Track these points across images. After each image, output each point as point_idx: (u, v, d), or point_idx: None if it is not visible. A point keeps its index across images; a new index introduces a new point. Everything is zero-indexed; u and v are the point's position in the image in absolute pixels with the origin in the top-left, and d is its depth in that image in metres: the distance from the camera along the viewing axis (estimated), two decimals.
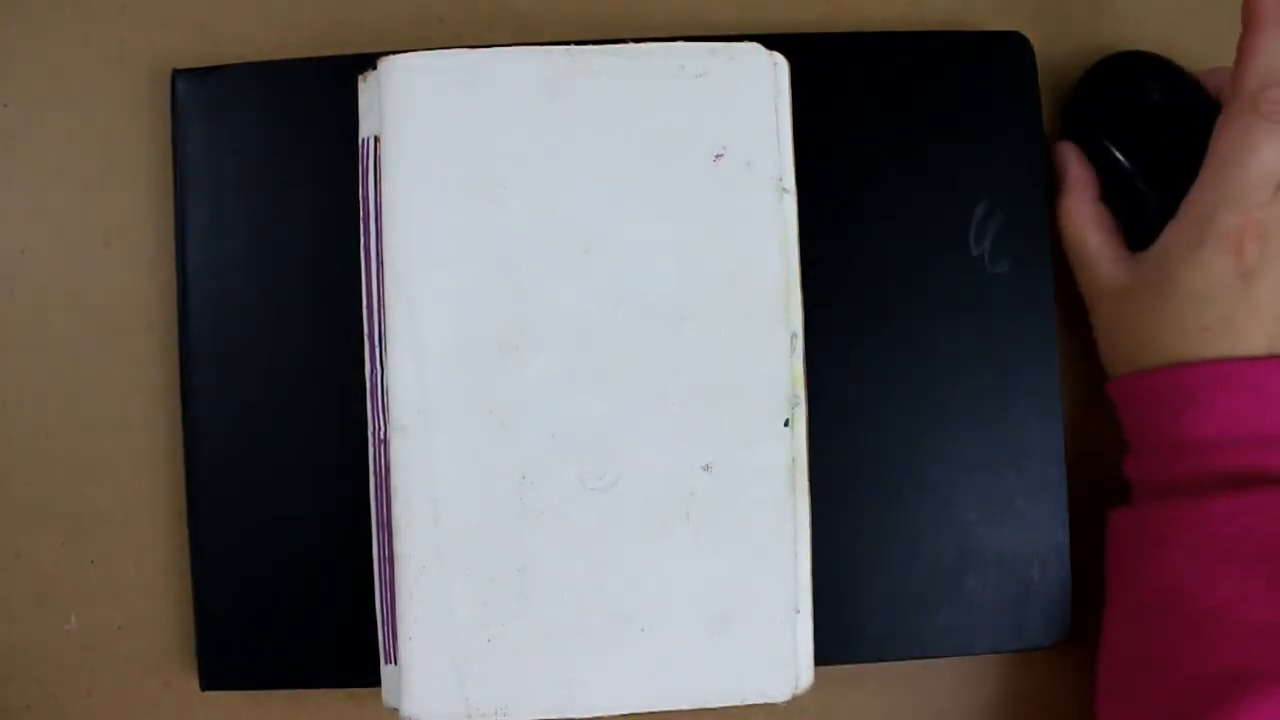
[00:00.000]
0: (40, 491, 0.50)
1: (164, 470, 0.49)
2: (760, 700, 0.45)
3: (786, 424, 0.44)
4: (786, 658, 0.44)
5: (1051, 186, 0.50)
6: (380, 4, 0.52)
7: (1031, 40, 0.50)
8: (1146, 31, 0.53)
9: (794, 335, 0.44)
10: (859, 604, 0.48)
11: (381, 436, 0.44)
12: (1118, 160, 0.49)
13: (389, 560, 0.44)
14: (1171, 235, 0.45)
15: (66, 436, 0.50)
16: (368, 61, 0.45)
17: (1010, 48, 0.50)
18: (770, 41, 0.45)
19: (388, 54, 0.44)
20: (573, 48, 0.44)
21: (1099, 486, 0.50)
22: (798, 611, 0.44)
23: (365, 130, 0.46)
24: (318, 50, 0.50)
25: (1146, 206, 0.48)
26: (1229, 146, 0.44)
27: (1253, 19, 0.44)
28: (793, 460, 0.44)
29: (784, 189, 0.44)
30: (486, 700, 0.43)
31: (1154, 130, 0.49)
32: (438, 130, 0.44)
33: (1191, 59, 0.53)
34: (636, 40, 0.45)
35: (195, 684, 0.48)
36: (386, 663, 0.45)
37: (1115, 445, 0.50)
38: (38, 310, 0.50)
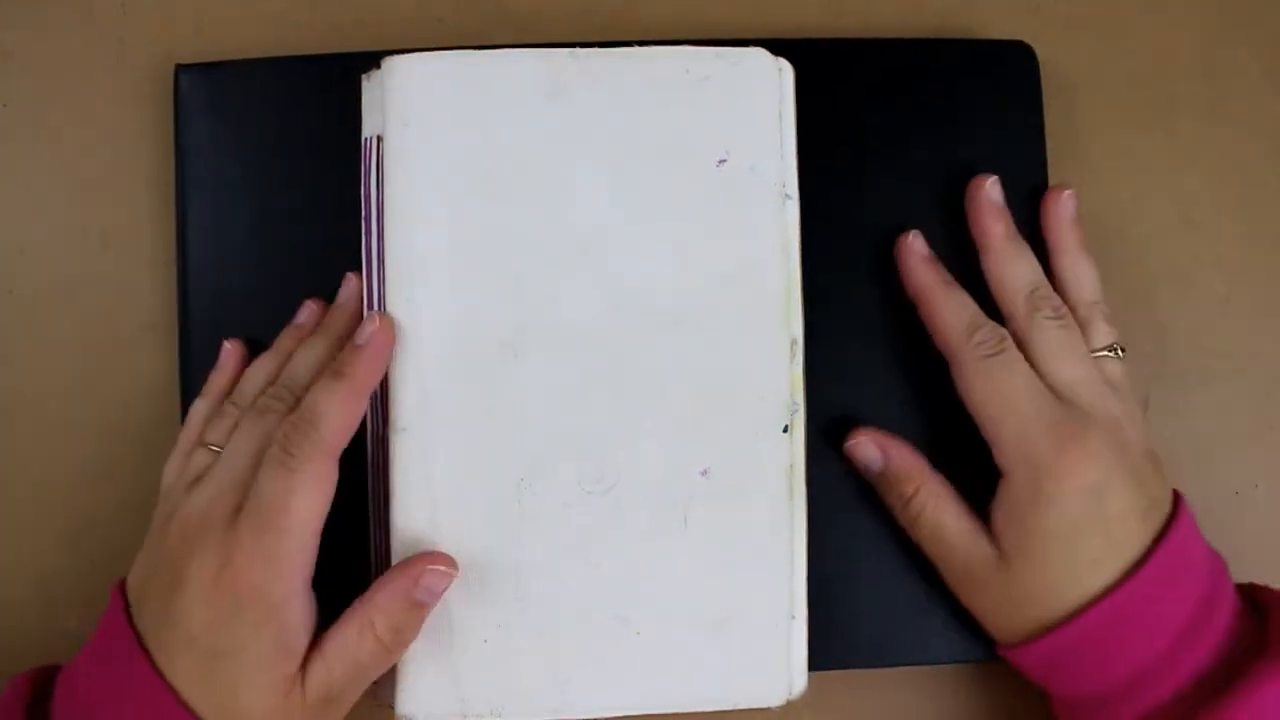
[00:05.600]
0: (41, 492, 0.50)
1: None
2: (754, 705, 0.45)
3: (785, 430, 0.44)
4: (781, 663, 0.44)
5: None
6: (380, 4, 0.52)
7: (1036, 49, 0.50)
8: (1148, 39, 0.53)
9: (794, 342, 0.44)
10: (855, 609, 0.48)
11: (381, 436, 0.44)
12: None
13: (387, 559, 0.44)
14: (1011, 495, 0.44)
15: (66, 436, 0.50)
16: (371, 59, 0.45)
17: (1014, 56, 0.50)
18: (774, 46, 0.45)
19: (391, 53, 0.44)
20: (577, 49, 0.44)
21: None
22: (793, 617, 0.44)
23: (368, 129, 0.45)
24: (316, 50, 0.50)
25: None
26: (981, 400, 0.45)
27: (920, 292, 0.47)
28: (791, 466, 0.44)
29: (786, 195, 0.44)
30: (481, 700, 0.43)
31: None
32: (441, 131, 0.44)
33: (1192, 61, 0.53)
34: (637, 41, 0.45)
35: None
36: None
37: None
38: (38, 310, 0.50)
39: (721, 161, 0.44)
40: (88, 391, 0.50)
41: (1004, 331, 0.45)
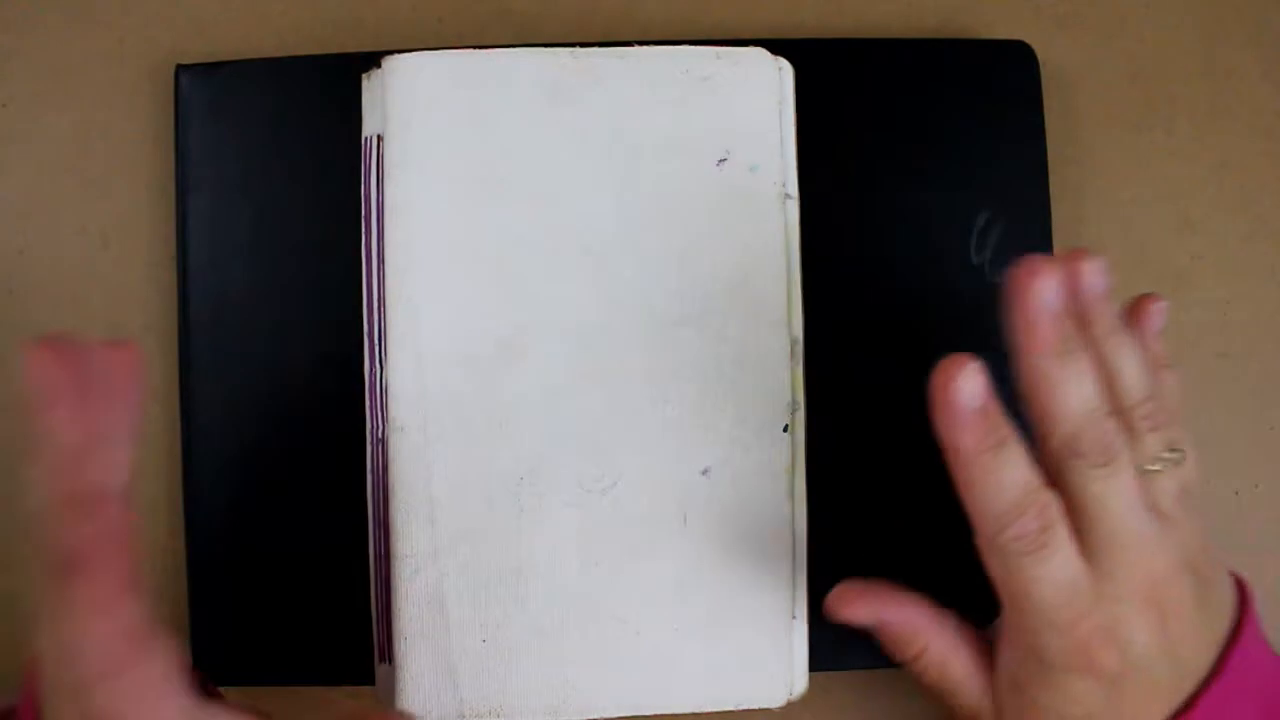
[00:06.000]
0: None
1: (164, 470, 0.49)
2: (755, 706, 0.45)
3: (786, 430, 0.44)
4: (782, 663, 0.45)
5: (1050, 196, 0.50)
6: (380, 4, 0.52)
7: (1036, 49, 0.50)
8: (1147, 38, 0.53)
9: (795, 342, 0.44)
10: None
11: (380, 436, 0.44)
12: None
13: (385, 560, 0.44)
14: (1010, 670, 0.40)
15: None
16: (371, 59, 0.45)
17: (1014, 56, 0.50)
18: (773, 46, 0.45)
19: (391, 53, 0.44)
20: (577, 49, 0.44)
21: None
22: (794, 617, 0.44)
23: (368, 129, 0.46)
24: (315, 50, 0.50)
25: None
26: (1002, 583, 0.38)
27: (955, 458, 0.38)
28: (791, 466, 0.44)
29: (787, 195, 0.44)
30: (480, 700, 0.44)
31: None
32: (441, 130, 0.44)
33: (1192, 61, 0.53)
34: (637, 41, 0.45)
35: None
36: (382, 661, 0.45)
37: None
38: (38, 310, 0.50)
39: (722, 161, 0.44)
40: None
41: (1052, 514, 0.37)
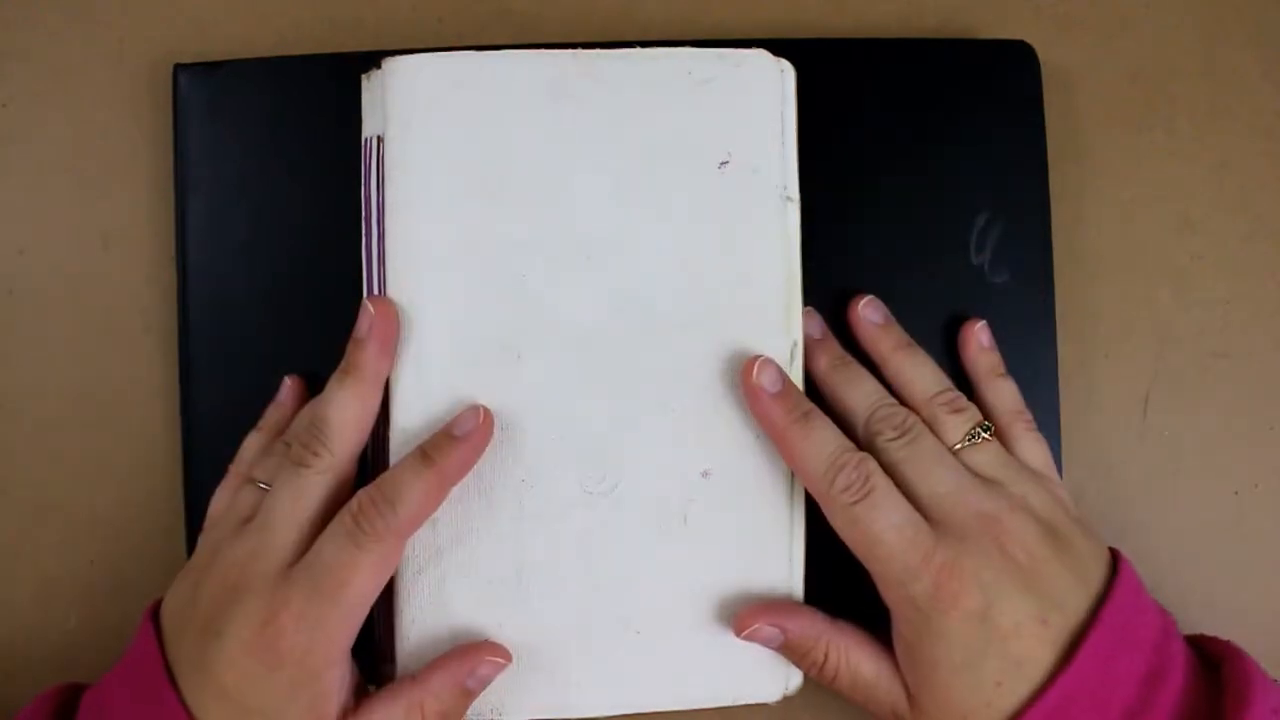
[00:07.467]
0: (41, 491, 0.50)
1: (164, 470, 0.49)
2: (752, 701, 0.45)
3: None
4: (778, 659, 0.45)
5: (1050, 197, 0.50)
6: (380, 4, 0.52)
7: (1036, 49, 0.50)
8: (1147, 38, 0.53)
9: (795, 344, 0.44)
10: (853, 610, 0.48)
11: (381, 436, 0.44)
12: None
13: None
14: (902, 635, 0.42)
15: (66, 436, 0.50)
16: (371, 59, 0.45)
17: (1014, 56, 0.50)
18: (773, 46, 0.45)
19: (391, 54, 0.44)
20: (579, 51, 0.44)
21: (1096, 495, 0.50)
22: None
23: (369, 130, 0.45)
24: (315, 50, 0.50)
25: None
26: (854, 545, 0.42)
27: (774, 436, 0.43)
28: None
29: (788, 197, 0.44)
30: (482, 699, 0.43)
31: None
32: (442, 131, 0.43)
33: (1192, 61, 0.53)
34: (638, 42, 0.45)
35: None
36: (384, 661, 0.45)
37: (1112, 453, 0.50)
38: (38, 310, 0.50)
39: (723, 163, 0.44)
40: (88, 391, 0.50)
41: (869, 466, 0.42)
